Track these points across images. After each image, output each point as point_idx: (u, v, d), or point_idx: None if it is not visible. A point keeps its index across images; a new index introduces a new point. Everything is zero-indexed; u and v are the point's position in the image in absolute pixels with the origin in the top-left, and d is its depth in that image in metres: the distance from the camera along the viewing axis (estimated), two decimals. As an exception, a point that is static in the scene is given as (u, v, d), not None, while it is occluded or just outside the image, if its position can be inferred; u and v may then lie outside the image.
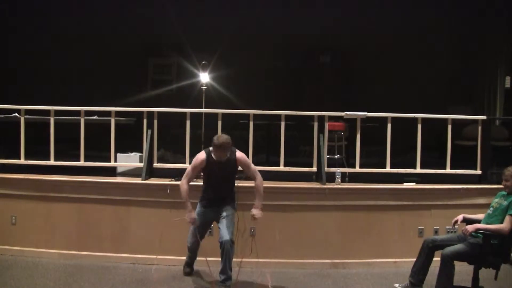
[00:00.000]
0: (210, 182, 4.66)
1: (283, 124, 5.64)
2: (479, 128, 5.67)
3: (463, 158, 6.01)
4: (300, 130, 6.41)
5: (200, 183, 4.82)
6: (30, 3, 8.62)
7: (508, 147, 7.00)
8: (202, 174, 4.71)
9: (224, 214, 4.59)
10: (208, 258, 4.67)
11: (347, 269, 5.27)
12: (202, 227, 4.69)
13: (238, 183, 4.85)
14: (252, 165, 4.69)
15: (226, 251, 4.41)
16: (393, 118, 5.64)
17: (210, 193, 4.67)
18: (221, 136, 4.46)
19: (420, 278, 4.43)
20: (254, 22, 8.61)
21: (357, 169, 5.65)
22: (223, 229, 4.50)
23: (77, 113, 5.78)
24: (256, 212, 4.53)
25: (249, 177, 4.69)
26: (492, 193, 4.86)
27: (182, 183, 4.57)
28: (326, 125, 5.73)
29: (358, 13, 8.61)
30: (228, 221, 4.56)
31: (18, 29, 8.77)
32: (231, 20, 8.55)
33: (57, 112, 5.79)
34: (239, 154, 4.60)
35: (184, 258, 5.00)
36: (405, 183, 5.55)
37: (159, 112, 5.71)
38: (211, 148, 4.57)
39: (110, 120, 5.73)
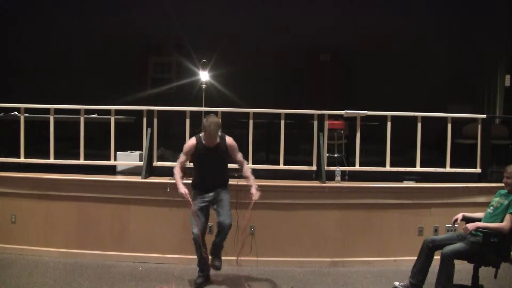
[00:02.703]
0: (201, 168, 4.66)
1: (282, 122, 5.63)
2: (479, 126, 5.66)
3: (463, 156, 6.01)
4: (300, 129, 6.41)
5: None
6: (30, 3, 8.64)
7: (508, 146, 6.99)
8: (192, 162, 4.75)
9: (221, 196, 4.62)
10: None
11: (346, 267, 5.26)
12: (201, 213, 4.62)
13: (238, 182, 4.85)
14: (240, 152, 4.76)
15: (225, 233, 4.53)
16: (393, 117, 5.63)
17: (202, 181, 4.66)
18: (210, 117, 4.55)
19: (420, 278, 4.42)
20: (254, 22, 8.63)
21: (357, 167, 5.64)
22: (223, 213, 4.53)
23: (77, 111, 5.78)
24: (254, 191, 4.55)
25: (237, 162, 4.75)
26: (491, 191, 4.86)
27: (175, 168, 4.66)
28: (326, 123, 5.72)
29: (358, 13, 8.62)
30: (226, 204, 4.59)
31: (18, 28, 8.79)
32: (231, 20, 8.56)
33: (57, 111, 5.79)
34: (228, 138, 4.68)
35: (183, 256, 4.98)
36: (405, 182, 5.54)
37: (159, 111, 5.71)
38: (201, 134, 4.65)
39: (110, 118, 5.73)
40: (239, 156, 4.72)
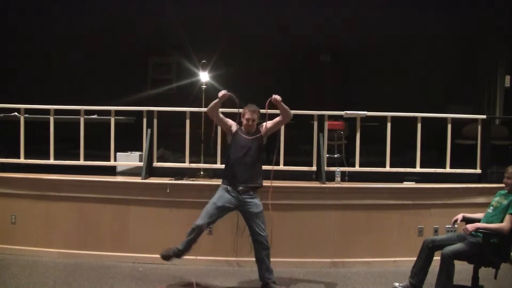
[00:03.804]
0: (234, 157, 4.53)
1: (283, 123, 5.62)
2: (479, 127, 5.66)
3: (463, 157, 6.00)
4: (300, 129, 6.40)
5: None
6: (30, 3, 8.64)
7: (507, 146, 7.00)
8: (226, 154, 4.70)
9: (251, 208, 4.50)
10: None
11: (346, 268, 5.27)
12: (219, 210, 4.50)
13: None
14: (268, 122, 4.70)
15: (265, 248, 4.47)
16: (392, 117, 5.63)
17: (233, 172, 4.52)
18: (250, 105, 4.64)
19: (420, 279, 4.42)
20: (254, 22, 8.63)
21: (357, 168, 5.64)
22: (258, 227, 4.47)
23: (77, 112, 5.77)
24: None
25: (279, 124, 4.78)
26: (491, 192, 4.86)
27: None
28: (326, 124, 5.72)
29: (358, 13, 8.62)
30: (259, 215, 4.51)
31: (18, 29, 8.79)
32: (231, 20, 8.56)
33: (57, 111, 5.79)
34: (263, 124, 4.66)
35: (184, 257, 4.94)
36: (404, 182, 5.55)
37: (159, 111, 5.70)
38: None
39: (110, 119, 5.73)
40: (275, 120, 4.73)
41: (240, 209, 4.57)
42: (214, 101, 4.61)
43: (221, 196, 4.54)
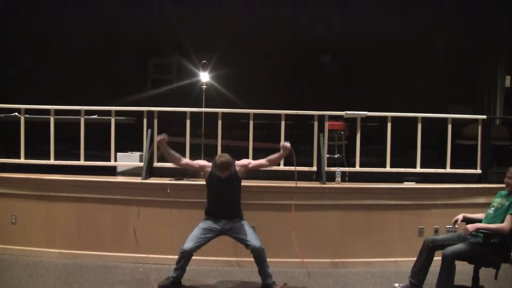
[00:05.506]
0: (213, 194, 4.58)
1: (283, 123, 5.63)
2: (479, 127, 5.66)
3: (463, 157, 6.01)
4: (300, 130, 6.40)
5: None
6: (30, 3, 8.64)
7: (508, 147, 7.00)
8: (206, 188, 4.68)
9: (238, 225, 4.53)
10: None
11: (347, 268, 5.27)
12: (205, 232, 4.51)
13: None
14: (252, 160, 4.72)
15: (260, 256, 4.44)
16: (393, 118, 5.63)
17: (213, 207, 4.58)
18: (222, 156, 4.48)
19: (420, 278, 4.42)
20: (254, 22, 8.63)
21: (357, 168, 5.64)
22: (249, 237, 4.46)
23: (77, 112, 5.77)
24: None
25: (262, 167, 4.72)
26: (492, 192, 4.87)
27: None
28: (326, 124, 5.73)
29: (358, 13, 8.62)
30: (247, 229, 4.52)
31: (18, 29, 8.78)
32: (231, 20, 8.56)
33: (57, 112, 5.79)
34: (237, 162, 4.61)
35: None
36: (405, 183, 5.55)
37: (159, 112, 5.70)
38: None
39: (110, 119, 5.73)
40: (255, 162, 4.69)
41: (226, 231, 4.57)
42: (163, 151, 4.65)
43: (205, 222, 4.58)
